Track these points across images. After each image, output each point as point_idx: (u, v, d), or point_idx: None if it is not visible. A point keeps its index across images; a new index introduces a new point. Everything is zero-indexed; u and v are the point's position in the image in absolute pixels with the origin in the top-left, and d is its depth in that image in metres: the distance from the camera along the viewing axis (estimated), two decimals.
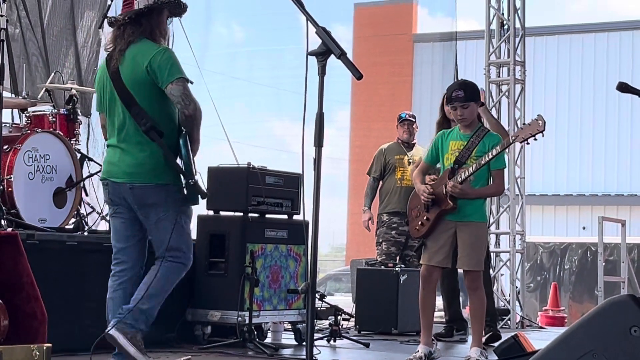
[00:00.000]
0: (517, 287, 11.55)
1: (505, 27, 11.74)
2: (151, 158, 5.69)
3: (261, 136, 13.67)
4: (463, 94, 6.94)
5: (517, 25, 11.70)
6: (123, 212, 5.84)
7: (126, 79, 5.67)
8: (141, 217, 5.79)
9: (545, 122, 6.76)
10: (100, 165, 8.69)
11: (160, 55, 5.65)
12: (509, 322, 11.28)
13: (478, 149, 6.93)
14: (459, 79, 11.69)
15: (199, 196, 5.79)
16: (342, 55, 4.43)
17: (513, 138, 6.95)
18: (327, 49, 4.44)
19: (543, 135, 6.80)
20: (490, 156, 6.79)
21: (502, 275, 11.95)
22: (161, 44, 5.79)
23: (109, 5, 9.51)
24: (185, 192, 5.68)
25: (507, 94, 11.67)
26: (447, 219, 6.95)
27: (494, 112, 11.64)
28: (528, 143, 6.99)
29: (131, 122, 5.67)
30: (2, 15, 7.21)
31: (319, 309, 8.70)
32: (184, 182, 5.65)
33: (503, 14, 11.75)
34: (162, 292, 5.92)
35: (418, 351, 7.01)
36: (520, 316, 11.55)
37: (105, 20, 5.97)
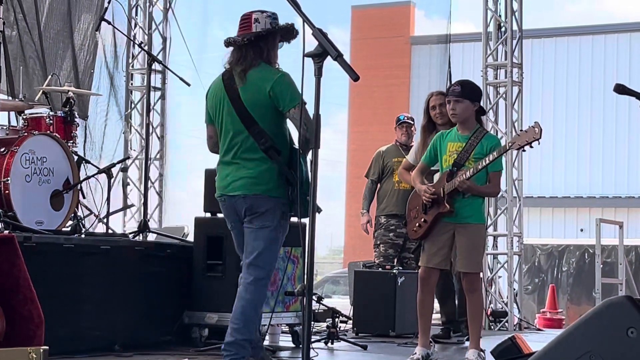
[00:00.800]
0: (514, 289, 11.55)
1: (503, 29, 11.74)
2: (267, 173, 5.99)
3: None
4: (459, 89, 7.03)
5: (515, 27, 11.70)
6: (238, 227, 6.17)
7: (247, 100, 5.95)
8: (245, 224, 6.10)
9: (541, 130, 6.81)
10: (97, 167, 8.71)
11: (282, 80, 5.93)
12: (506, 324, 11.28)
13: (476, 150, 6.96)
14: (453, 81, 11.76)
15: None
16: (338, 56, 4.43)
17: (510, 145, 6.99)
18: (324, 50, 4.43)
19: (539, 143, 6.85)
20: (487, 162, 6.84)
21: (499, 277, 11.94)
22: (278, 69, 6.07)
23: (106, 8, 9.54)
24: (291, 206, 6.10)
25: (504, 96, 11.67)
26: (445, 220, 6.96)
27: (491, 114, 11.65)
28: (524, 150, 7.03)
29: (250, 140, 5.97)
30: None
31: (316, 311, 8.69)
32: (298, 196, 5.93)
33: (500, 16, 11.75)
34: (256, 316, 6.27)
35: (415, 353, 7.01)
36: (518, 318, 11.54)
37: (224, 41, 6.11)
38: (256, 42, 5.99)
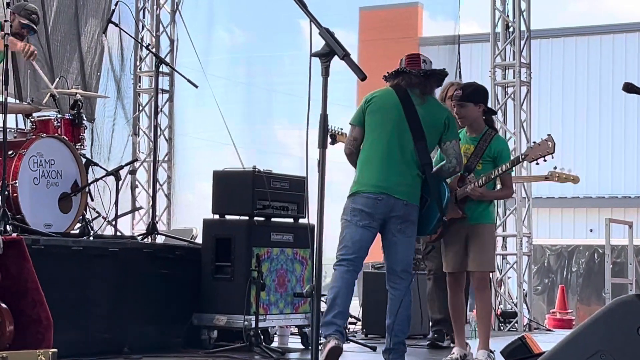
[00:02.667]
0: (524, 290, 11.52)
1: (511, 29, 11.72)
2: (420, 185, 6.56)
3: (261, 140, 13.61)
4: (460, 93, 7.18)
5: (523, 27, 11.68)
6: (375, 227, 6.52)
7: (423, 119, 6.56)
8: (396, 231, 6.51)
9: (555, 144, 6.98)
10: (105, 169, 8.70)
11: (451, 115, 6.79)
12: (516, 324, 11.26)
13: (485, 153, 7.11)
14: (462, 81, 11.73)
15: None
16: (345, 56, 4.41)
17: (523, 157, 7.11)
18: (331, 50, 4.42)
19: (552, 157, 6.98)
20: (499, 172, 7.02)
21: (509, 278, 11.92)
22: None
23: (113, 10, 9.51)
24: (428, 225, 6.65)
25: (512, 96, 11.65)
26: (458, 223, 7.02)
27: (499, 114, 11.62)
28: (537, 163, 7.16)
29: (413, 152, 6.51)
30: (6, 21, 7.19)
31: (322, 311, 8.67)
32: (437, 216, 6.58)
33: (508, 16, 11.73)
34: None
35: (453, 353, 7.16)
36: (528, 319, 11.52)
37: (402, 71, 6.73)
38: (430, 77, 6.68)
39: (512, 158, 7.19)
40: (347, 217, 6.51)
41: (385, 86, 6.76)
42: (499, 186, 7.22)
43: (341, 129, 7.79)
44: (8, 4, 7.24)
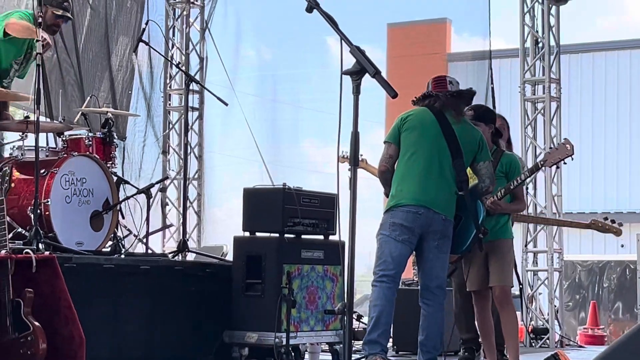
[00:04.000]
0: (555, 306, 11.46)
1: (540, 44, 11.69)
2: (455, 202, 6.64)
3: (289, 157, 13.62)
4: (473, 113, 7.29)
5: (552, 42, 11.65)
6: (413, 242, 6.56)
7: (460, 136, 6.69)
8: (433, 247, 6.57)
9: (573, 146, 6.99)
10: (136, 187, 8.73)
11: (484, 137, 6.91)
12: (547, 341, 11.19)
13: (497, 169, 7.24)
14: (494, 97, 11.69)
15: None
16: (376, 74, 4.42)
17: (542, 162, 7.14)
18: (362, 67, 4.43)
19: (572, 159, 7.01)
20: (520, 181, 7.14)
21: (540, 294, 11.86)
22: None
23: (143, 29, 9.55)
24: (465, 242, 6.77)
25: (542, 111, 11.62)
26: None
27: (529, 130, 11.59)
28: (558, 167, 7.19)
29: (451, 169, 6.63)
30: (38, 41, 7.24)
31: (356, 329, 8.67)
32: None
33: (537, 31, 11.70)
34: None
35: None
36: (559, 335, 11.45)
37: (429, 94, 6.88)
38: (457, 97, 6.82)
39: (526, 168, 7.29)
40: (386, 232, 6.53)
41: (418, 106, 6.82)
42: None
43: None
44: (40, 24, 7.26)
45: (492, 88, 11.87)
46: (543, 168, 7.57)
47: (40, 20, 7.23)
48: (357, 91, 4.48)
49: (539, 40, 11.70)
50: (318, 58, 14.34)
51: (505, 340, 7.25)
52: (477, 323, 7.30)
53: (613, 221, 7.79)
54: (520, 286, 11.17)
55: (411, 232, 6.48)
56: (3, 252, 5.80)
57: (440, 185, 6.57)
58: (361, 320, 8.48)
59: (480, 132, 6.92)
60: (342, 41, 4.49)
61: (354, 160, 4.51)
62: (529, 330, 11.27)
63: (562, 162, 7.14)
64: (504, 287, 7.15)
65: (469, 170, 6.90)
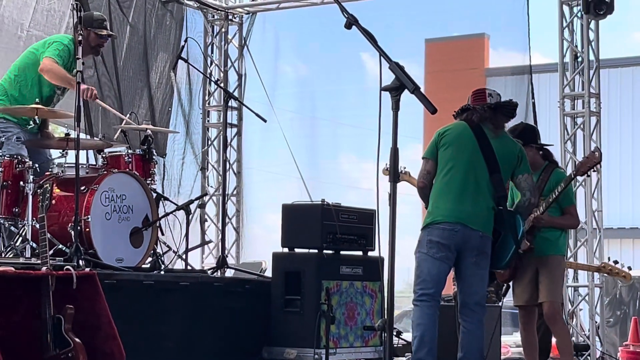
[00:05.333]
0: (596, 322, 11.36)
1: (579, 59, 11.62)
2: (493, 218, 6.58)
3: (327, 172, 13.63)
4: (511, 134, 7.31)
5: (591, 57, 11.58)
6: (451, 259, 6.51)
7: (498, 151, 6.63)
8: (470, 263, 6.52)
9: (601, 154, 7.04)
10: (175, 204, 8.77)
11: (523, 150, 6.86)
12: (588, 357, 11.09)
13: (546, 187, 7.27)
14: (535, 112, 11.63)
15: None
16: (415, 89, 4.42)
17: (574, 173, 7.16)
18: (401, 84, 4.43)
19: (600, 166, 7.08)
20: (557, 193, 7.14)
21: (580, 310, 11.77)
22: None
23: (182, 47, 9.61)
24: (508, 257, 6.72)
25: (582, 126, 11.54)
26: (527, 255, 7.02)
27: (569, 145, 11.51)
28: (589, 175, 7.26)
29: (489, 184, 6.57)
30: (78, 58, 7.30)
31: (395, 346, 8.63)
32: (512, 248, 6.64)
33: (576, 46, 11.64)
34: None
35: None
36: (601, 351, 11.35)
37: (468, 110, 6.87)
38: (495, 110, 6.75)
39: (573, 191, 7.32)
40: (423, 249, 6.49)
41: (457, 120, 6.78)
42: None
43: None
44: (80, 42, 7.32)
45: (534, 103, 11.79)
46: (577, 178, 7.61)
47: (81, 43, 7.30)
48: (396, 107, 4.49)
49: (578, 54, 11.63)
50: (354, 74, 14.35)
51: (561, 356, 7.24)
52: (521, 338, 7.27)
53: (623, 265, 7.88)
54: (561, 302, 11.11)
55: (448, 249, 6.44)
56: (44, 268, 5.84)
57: (477, 201, 6.53)
58: (401, 336, 8.44)
59: (520, 145, 6.86)
60: (381, 57, 4.49)
61: (394, 177, 4.50)
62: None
63: (593, 169, 7.17)
64: (554, 303, 7.16)
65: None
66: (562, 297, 7.30)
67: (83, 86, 7.62)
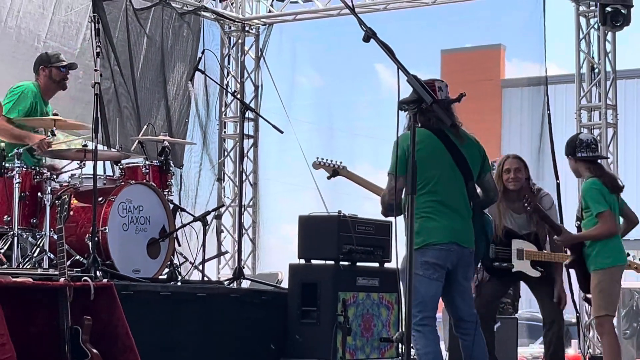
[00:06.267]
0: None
1: (596, 70, 11.61)
2: (473, 228, 6.43)
3: (343, 183, 13.60)
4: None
5: (608, 68, 11.56)
6: (443, 279, 6.32)
7: (469, 158, 6.43)
8: (460, 279, 6.39)
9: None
10: (192, 215, 8.78)
11: (483, 148, 6.59)
12: None
13: (581, 202, 7.53)
14: (551, 124, 11.62)
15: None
16: (433, 102, 4.43)
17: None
18: (419, 97, 4.44)
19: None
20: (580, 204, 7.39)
21: None
22: None
23: (200, 58, 9.62)
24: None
25: (599, 138, 11.51)
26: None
27: None
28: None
29: (465, 195, 6.38)
30: (96, 70, 7.34)
31: (412, 357, 8.61)
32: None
33: (593, 57, 11.62)
34: None
35: None
36: None
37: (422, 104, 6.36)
38: (449, 108, 6.43)
39: (601, 199, 7.37)
40: (419, 271, 6.22)
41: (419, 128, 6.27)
42: None
43: (340, 162, 7.69)
44: (98, 54, 7.36)
45: (549, 114, 11.77)
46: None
47: (99, 55, 7.35)
48: (414, 120, 4.49)
49: (595, 66, 11.62)
50: (369, 85, 14.38)
51: None
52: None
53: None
54: (577, 314, 11.07)
55: (443, 269, 6.31)
56: (62, 279, 5.86)
57: (463, 217, 6.38)
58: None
59: (480, 144, 6.62)
60: (399, 70, 4.50)
61: (412, 189, 4.51)
62: (587, 358, 11.14)
63: None
64: (597, 318, 7.39)
65: None
66: (610, 310, 7.37)
67: (38, 136, 7.71)
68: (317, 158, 7.39)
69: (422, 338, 6.26)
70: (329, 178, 7.38)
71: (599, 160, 7.68)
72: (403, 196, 6.10)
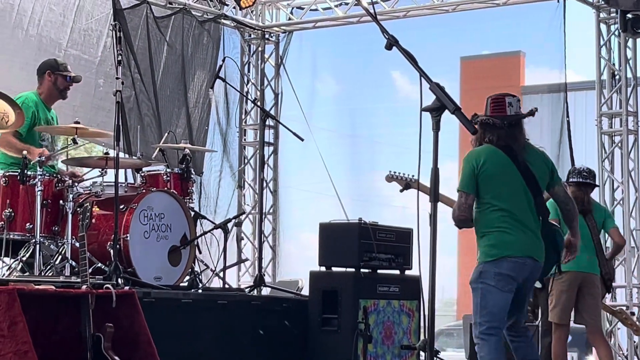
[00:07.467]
0: (635, 342, 11.28)
1: (617, 77, 11.58)
2: (543, 241, 6.53)
3: (361, 191, 13.63)
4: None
5: (629, 75, 11.53)
6: (514, 291, 6.41)
7: (537, 173, 6.52)
8: (527, 291, 6.54)
9: None
10: (213, 222, 8.80)
11: (551, 159, 6.75)
12: None
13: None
14: (570, 131, 11.59)
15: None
16: (456, 110, 4.41)
17: None
18: (442, 104, 4.43)
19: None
20: None
21: (618, 329, 11.68)
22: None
23: (220, 66, 9.64)
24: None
25: (620, 144, 11.48)
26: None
27: (607, 163, 11.45)
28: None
29: (532, 210, 6.46)
30: (117, 78, 7.37)
31: None
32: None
33: (614, 64, 11.60)
34: None
35: None
36: None
37: (476, 120, 6.63)
38: (519, 123, 6.60)
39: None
40: (491, 282, 6.35)
41: (486, 145, 6.57)
42: None
43: (412, 175, 7.74)
44: (119, 62, 7.39)
45: (568, 122, 11.75)
46: (615, 197, 7.87)
47: (120, 63, 7.36)
48: (436, 127, 4.48)
49: (616, 72, 11.59)
50: (385, 92, 14.39)
51: None
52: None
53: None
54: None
55: (515, 281, 6.41)
56: (84, 287, 5.88)
57: (535, 232, 6.48)
58: (438, 355, 8.41)
59: (549, 157, 6.77)
60: (421, 78, 4.50)
61: (435, 197, 4.50)
62: None
63: None
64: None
65: None
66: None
67: (37, 150, 7.72)
68: (390, 172, 7.50)
69: (486, 347, 6.34)
70: (401, 191, 7.46)
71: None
72: (472, 211, 6.42)
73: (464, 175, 6.41)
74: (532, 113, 6.55)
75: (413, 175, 7.62)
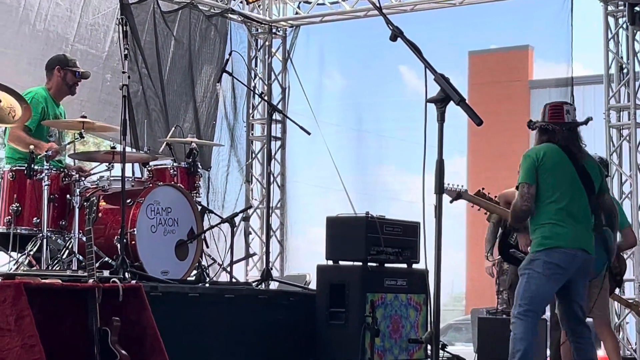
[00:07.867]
0: None
1: (625, 70, 11.55)
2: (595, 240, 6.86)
3: (369, 185, 13.62)
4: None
5: (637, 68, 11.49)
6: (561, 282, 6.69)
7: (592, 174, 6.86)
8: (580, 284, 6.79)
9: None
10: (220, 217, 8.80)
11: (603, 170, 7.14)
12: None
13: None
14: None
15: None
16: (461, 101, 4.40)
17: None
18: (446, 95, 4.41)
19: None
20: None
21: (627, 323, 11.65)
22: None
23: (227, 60, 9.64)
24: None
25: (628, 138, 11.45)
26: None
27: (614, 157, 11.43)
28: None
29: (587, 207, 6.78)
30: (124, 72, 7.36)
31: (441, 358, 8.59)
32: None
33: (622, 57, 11.56)
34: None
35: None
36: None
37: (541, 125, 6.94)
38: (575, 133, 6.92)
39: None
40: (538, 269, 6.62)
41: (547, 143, 6.88)
42: None
43: (462, 185, 7.75)
44: (126, 56, 7.38)
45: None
46: (629, 197, 7.85)
47: (127, 57, 7.35)
48: (441, 119, 4.47)
49: (624, 66, 11.56)
50: (393, 86, 14.35)
51: None
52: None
53: None
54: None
55: (565, 272, 6.65)
56: (91, 281, 5.88)
57: (587, 226, 6.76)
58: (446, 349, 8.41)
59: (601, 166, 7.11)
60: (426, 69, 4.48)
61: (439, 189, 4.49)
62: None
63: None
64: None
65: None
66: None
67: (46, 145, 7.72)
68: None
69: (522, 325, 6.61)
70: (451, 202, 7.56)
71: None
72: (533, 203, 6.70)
73: (524, 169, 6.74)
74: (587, 121, 6.89)
75: (463, 186, 7.67)
